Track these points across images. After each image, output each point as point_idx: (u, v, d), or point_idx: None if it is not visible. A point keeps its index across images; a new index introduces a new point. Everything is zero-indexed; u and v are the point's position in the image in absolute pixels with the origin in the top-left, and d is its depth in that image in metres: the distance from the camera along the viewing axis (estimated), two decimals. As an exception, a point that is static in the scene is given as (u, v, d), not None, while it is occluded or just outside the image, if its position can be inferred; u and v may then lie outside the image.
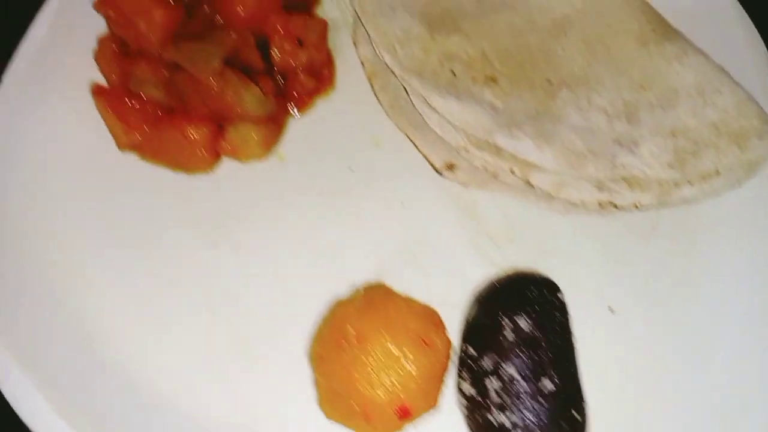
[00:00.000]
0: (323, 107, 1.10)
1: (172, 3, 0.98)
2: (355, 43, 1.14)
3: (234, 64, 0.96)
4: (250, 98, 0.93)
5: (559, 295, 0.86)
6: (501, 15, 1.06)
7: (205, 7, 1.02)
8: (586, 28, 1.04)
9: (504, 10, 1.07)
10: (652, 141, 0.98)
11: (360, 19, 1.08)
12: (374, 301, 0.85)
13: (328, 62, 1.09)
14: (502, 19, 1.06)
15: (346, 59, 1.13)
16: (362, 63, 1.13)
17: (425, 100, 1.02)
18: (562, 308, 0.86)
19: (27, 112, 1.02)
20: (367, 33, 1.09)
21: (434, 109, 1.02)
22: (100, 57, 1.03)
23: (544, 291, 0.85)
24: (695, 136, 1.00)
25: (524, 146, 0.99)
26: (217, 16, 0.99)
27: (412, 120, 1.07)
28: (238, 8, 0.98)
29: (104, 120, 1.00)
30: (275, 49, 1.01)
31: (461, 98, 1.00)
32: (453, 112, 1.00)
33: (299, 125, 1.08)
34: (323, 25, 1.06)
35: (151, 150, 1.01)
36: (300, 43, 1.01)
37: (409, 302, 0.86)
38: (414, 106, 1.06)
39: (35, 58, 1.03)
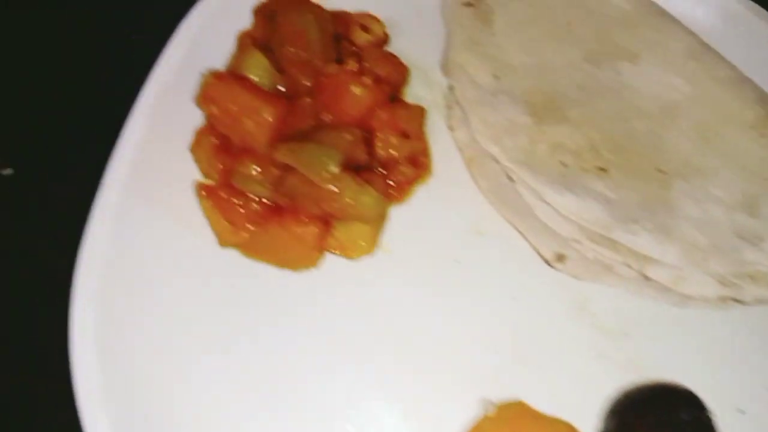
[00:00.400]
0: (422, 195, 1.06)
1: (278, 97, 0.95)
2: (450, 127, 1.12)
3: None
4: (368, 201, 0.90)
5: (705, 413, 0.83)
6: (606, 101, 1.04)
7: (307, 99, 0.99)
8: (696, 115, 1.03)
9: (609, 96, 1.05)
10: (778, 236, 0.96)
11: (460, 107, 1.06)
12: (510, 420, 0.81)
13: (425, 148, 1.07)
14: (608, 106, 1.04)
15: (439, 141, 1.10)
16: (459, 148, 1.11)
17: (535, 191, 1.00)
18: (707, 428, 0.83)
19: (129, 212, 0.97)
20: (464, 117, 1.08)
21: (544, 201, 1.01)
22: (198, 151, 0.98)
23: (687, 408, 0.82)
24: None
25: (644, 241, 0.96)
26: (326, 115, 0.96)
27: (518, 208, 1.05)
28: (351, 106, 0.95)
29: (208, 218, 0.96)
30: (380, 143, 0.99)
31: (576, 192, 0.98)
32: (569, 206, 0.97)
33: (400, 214, 1.04)
34: (423, 114, 1.04)
35: (256, 248, 0.96)
36: (406, 136, 0.99)
37: (546, 420, 0.82)
38: (519, 194, 1.05)
39: (134, 157, 0.98)
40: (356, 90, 0.93)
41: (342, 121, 0.95)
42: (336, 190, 0.89)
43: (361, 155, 0.95)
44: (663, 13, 1.12)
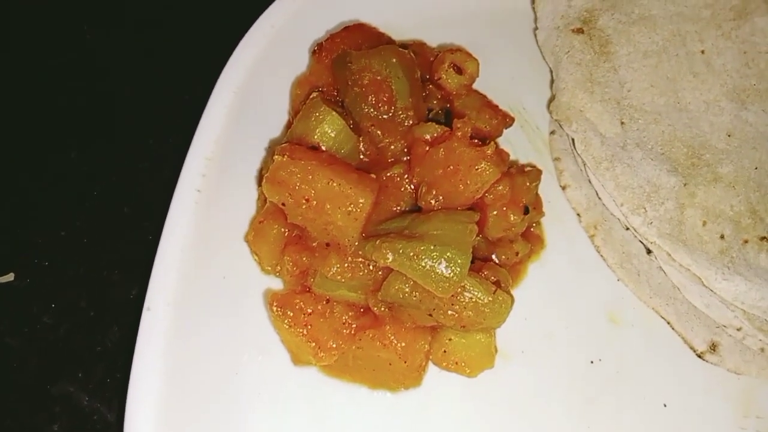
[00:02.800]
0: (537, 274, 0.85)
1: (369, 176, 0.72)
2: (563, 186, 0.91)
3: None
4: (499, 309, 0.69)
5: None
6: (762, 152, 0.83)
7: (398, 171, 0.76)
8: None
9: (763, 144, 0.84)
10: None
11: (582, 163, 0.86)
12: None
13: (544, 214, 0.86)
14: (764, 158, 0.83)
15: (547, 202, 0.87)
16: (576, 210, 0.90)
17: (690, 272, 0.81)
18: None
19: (179, 328, 0.75)
20: (579, 173, 0.87)
21: (701, 283, 0.82)
22: (258, 244, 0.75)
23: None
24: None
25: (826, 331, 0.79)
26: (429, 193, 0.72)
27: (660, 289, 0.85)
28: (471, 184, 0.70)
29: (279, 335, 0.75)
30: (496, 222, 0.76)
31: (743, 273, 0.78)
32: (736, 292, 0.78)
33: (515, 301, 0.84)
34: (539, 176, 0.81)
35: (343, 366, 0.75)
36: (527, 211, 0.78)
37: None
38: (662, 272, 0.85)
39: (179, 258, 0.76)
40: (482, 167, 0.70)
41: (452, 201, 0.73)
42: (460, 299, 0.68)
43: (480, 247, 0.75)
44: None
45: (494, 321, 0.70)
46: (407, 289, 0.69)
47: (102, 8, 1.07)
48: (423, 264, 0.66)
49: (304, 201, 0.70)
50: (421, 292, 0.69)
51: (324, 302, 0.73)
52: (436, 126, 0.76)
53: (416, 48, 0.90)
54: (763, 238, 0.81)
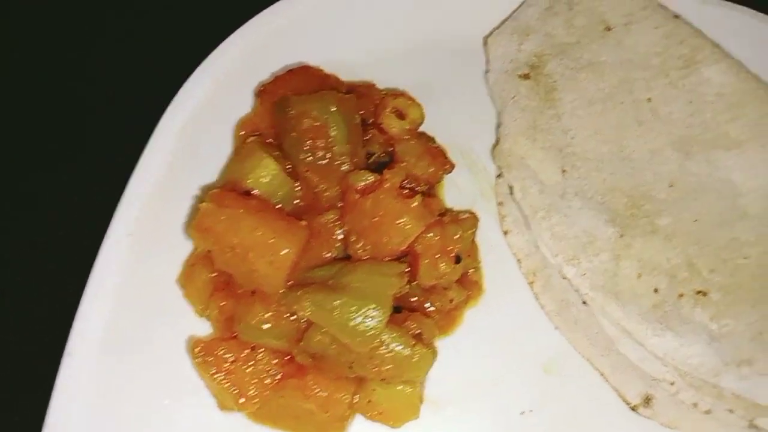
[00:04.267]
0: (473, 321, 0.84)
1: (298, 224, 0.72)
2: (505, 231, 0.90)
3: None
4: (419, 362, 0.69)
5: None
6: (703, 204, 0.83)
7: (331, 216, 0.77)
8: (818, 219, 0.84)
9: (705, 195, 0.83)
10: None
11: (521, 211, 0.85)
12: None
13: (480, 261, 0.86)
14: (705, 209, 0.83)
15: (488, 245, 0.88)
16: (516, 257, 0.90)
17: (621, 326, 0.81)
18: None
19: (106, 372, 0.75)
20: (522, 219, 0.87)
21: (631, 336, 0.81)
22: (189, 287, 0.76)
23: None
24: None
25: (760, 389, 0.77)
26: (358, 242, 0.73)
27: (594, 337, 0.84)
28: (396, 236, 0.71)
29: (205, 382, 0.75)
30: (427, 271, 0.76)
31: (674, 329, 0.78)
32: (667, 348, 0.78)
33: (447, 349, 0.82)
34: (476, 224, 0.82)
35: (267, 414, 0.74)
36: (458, 260, 0.78)
37: None
38: (598, 323, 0.84)
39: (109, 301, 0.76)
40: (406, 220, 0.71)
41: (381, 251, 0.73)
42: (379, 353, 0.68)
43: (406, 297, 0.75)
44: (770, 90, 0.91)
45: (414, 374, 0.70)
46: (327, 341, 0.69)
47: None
48: (340, 318, 0.66)
49: (228, 249, 0.71)
50: (340, 344, 0.69)
51: (249, 349, 0.74)
52: (369, 174, 0.76)
53: (363, 90, 0.90)
54: (699, 292, 0.80)
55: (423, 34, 0.98)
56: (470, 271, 0.86)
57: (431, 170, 0.81)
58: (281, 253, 0.69)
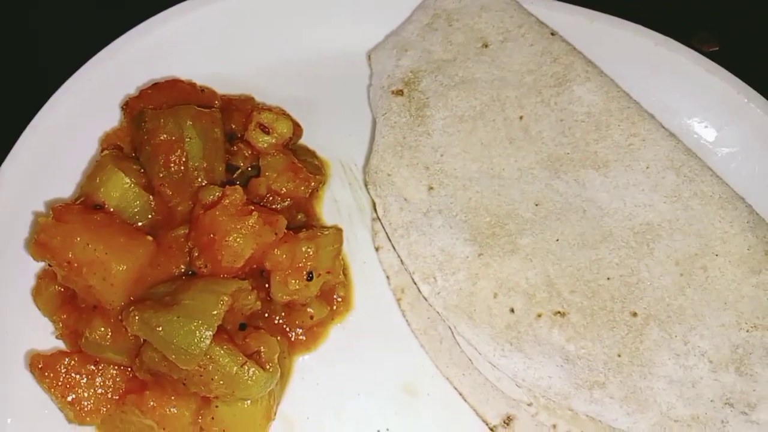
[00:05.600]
0: (338, 338, 0.84)
1: (140, 240, 0.72)
2: (376, 248, 0.90)
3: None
4: (244, 380, 0.67)
5: None
6: (567, 223, 0.82)
7: (181, 231, 0.75)
8: (677, 243, 0.81)
9: (570, 215, 0.83)
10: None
11: (387, 235, 0.85)
12: None
13: (342, 279, 0.85)
14: (569, 230, 0.82)
15: (362, 260, 0.89)
16: (386, 273, 0.90)
17: (474, 348, 0.80)
18: None
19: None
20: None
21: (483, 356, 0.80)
22: (39, 301, 0.76)
23: None
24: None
25: (610, 412, 0.76)
26: (199, 258, 0.73)
27: (458, 356, 0.83)
28: (228, 257, 0.71)
29: (48, 395, 0.74)
30: (278, 289, 0.76)
31: (525, 351, 0.77)
32: (516, 371, 0.77)
33: (309, 366, 0.82)
34: (339, 241, 0.81)
35: (113, 428, 0.74)
36: (310, 278, 0.78)
37: None
38: (457, 341, 0.84)
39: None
40: (236, 237, 0.70)
41: (219, 268, 0.72)
42: (208, 371, 0.67)
43: (251, 305, 0.73)
44: (639, 111, 0.88)
45: (245, 393, 0.69)
46: (158, 358, 0.69)
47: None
48: (164, 335, 0.66)
49: (65, 264, 0.70)
50: (170, 361, 0.69)
51: (92, 364, 0.73)
52: (218, 189, 0.76)
53: (239, 103, 0.91)
54: (557, 313, 0.79)
55: (309, 48, 0.99)
56: (336, 286, 0.87)
57: (291, 185, 0.80)
58: (116, 269, 0.69)
